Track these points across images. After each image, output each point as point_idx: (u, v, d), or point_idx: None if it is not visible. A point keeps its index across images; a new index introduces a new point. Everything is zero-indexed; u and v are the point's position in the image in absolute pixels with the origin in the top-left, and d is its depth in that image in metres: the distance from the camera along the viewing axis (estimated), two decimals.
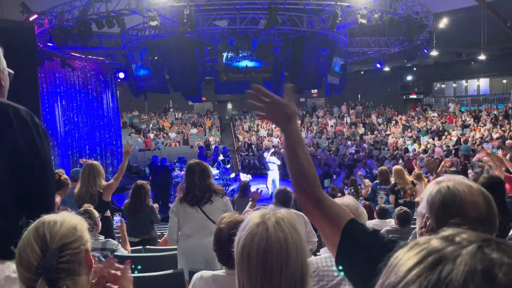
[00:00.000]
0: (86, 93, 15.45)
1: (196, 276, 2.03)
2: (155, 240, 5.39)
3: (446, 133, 17.66)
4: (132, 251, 4.32)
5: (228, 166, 15.45)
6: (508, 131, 15.42)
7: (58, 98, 14.32)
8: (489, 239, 0.53)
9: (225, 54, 12.78)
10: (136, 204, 5.25)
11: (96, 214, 3.69)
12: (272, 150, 15.32)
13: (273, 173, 13.93)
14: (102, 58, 15.68)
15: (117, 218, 4.18)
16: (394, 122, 20.73)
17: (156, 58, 13.26)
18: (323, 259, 2.09)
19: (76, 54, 14.70)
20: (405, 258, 0.55)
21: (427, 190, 1.35)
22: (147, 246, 4.81)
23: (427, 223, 1.29)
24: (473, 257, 0.50)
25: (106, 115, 16.57)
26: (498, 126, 16.50)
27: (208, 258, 3.50)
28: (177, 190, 3.88)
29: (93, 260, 1.39)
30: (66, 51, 13.74)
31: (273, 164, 13.94)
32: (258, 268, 1.12)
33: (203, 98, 19.61)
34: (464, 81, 23.49)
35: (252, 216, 1.20)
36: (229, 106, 27.89)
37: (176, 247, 4.09)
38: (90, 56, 15.37)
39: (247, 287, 1.14)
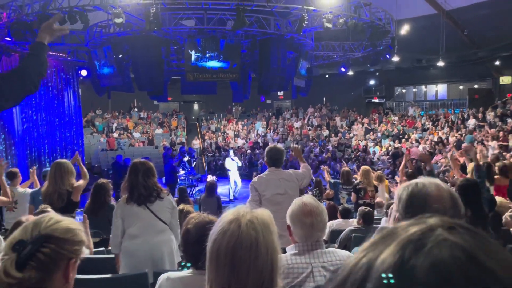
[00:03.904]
0: (46, 91, 14.85)
1: (162, 277, 2.01)
2: None
3: (406, 136, 18.33)
4: (94, 253, 4.20)
5: (193, 165, 15.27)
6: (464, 134, 16.14)
7: None
8: (451, 223, 0.55)
9: (192, 54, 12.63)
10: (96, 204, 5.10)
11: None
12: (232, 151, 15.19)
13: (233, 174, 13.87)
14: (63, 55, 15.15)
15: (79, 216, 4.06)
16: (360, 125, 21.25)
17: (120, 56, 12.96)
18: (289, 257, 2.11)
19: None
20: None
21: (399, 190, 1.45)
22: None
23: (396, 216, 1.38)
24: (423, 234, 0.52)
25: (67, 114, 16.01)
26: (455, 130, 17.25)
27: (156, 258, 3.44)
28: (120, 190, 3.74)
29: (71, 275, 1.31)
30: (25, 47, 13.17)
31: (234, 165, 13.83)
32: (226, 264, 1.12)
33: (169, 98, 19.34)
34: (423, 86, 24.42)
35: (227, 213, 1.21)
36: (196, 106, 27.67)
37: None
38: (51, 53, 14.78)
39: (215, 283, 1.14)
